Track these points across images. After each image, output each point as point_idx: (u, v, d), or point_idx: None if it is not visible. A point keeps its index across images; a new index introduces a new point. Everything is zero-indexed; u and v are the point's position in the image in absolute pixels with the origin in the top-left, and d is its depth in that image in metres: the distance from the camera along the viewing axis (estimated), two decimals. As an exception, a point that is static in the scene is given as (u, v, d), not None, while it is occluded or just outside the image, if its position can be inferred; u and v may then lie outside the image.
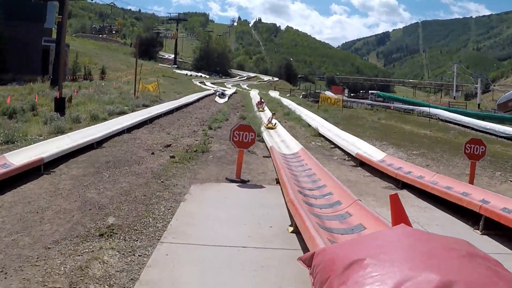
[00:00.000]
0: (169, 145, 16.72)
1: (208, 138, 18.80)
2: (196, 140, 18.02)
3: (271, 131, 23.26)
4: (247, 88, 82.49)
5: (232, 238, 7.43)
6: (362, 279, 3.10)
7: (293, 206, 7.75)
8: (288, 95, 71.19)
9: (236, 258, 6.62)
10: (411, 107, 58.16)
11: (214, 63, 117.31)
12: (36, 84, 38.81)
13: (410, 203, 10.79)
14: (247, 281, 5.84)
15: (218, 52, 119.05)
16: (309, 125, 26.74)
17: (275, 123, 24.73)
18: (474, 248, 3.63)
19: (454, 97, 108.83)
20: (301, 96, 70.99)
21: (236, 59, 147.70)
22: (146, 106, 30.70)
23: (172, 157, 14.36)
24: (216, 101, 43.40)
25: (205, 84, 73.82)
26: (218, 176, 12.33)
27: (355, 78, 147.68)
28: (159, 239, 7.24)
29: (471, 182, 12.54)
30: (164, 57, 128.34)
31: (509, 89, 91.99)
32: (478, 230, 8.79)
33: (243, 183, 11.79)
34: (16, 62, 48.28)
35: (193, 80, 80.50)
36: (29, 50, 51.34)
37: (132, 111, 26.88)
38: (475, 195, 10.40)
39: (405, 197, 11.36)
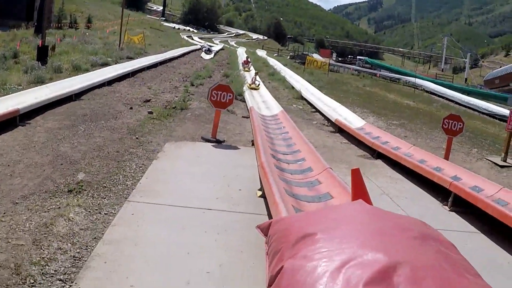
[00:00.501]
0: (148, 100, 16.54)
1: (188, 95, 18.60)
2: (176, 97, 17.85)
3: (253, 91, 23.04)
4: (234, 45, 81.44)
5: (200, 199, 7.39)
6: (311, 254, 3.06)
7: (262, 170, 7.69)
8: (275, 55, 70.55)
9: (201, 220, 6.60)
10: (397, 76, 58.04)
11: (202, 17, 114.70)
12: (20, 30, 37.80)
13: (383, 173, 10.81)
14: (209, 244, 5.83)
15: (207, 7, 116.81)
16: (293, 87, 26.60)
17: (259, 84, 24.43)
18: (430, 230, 3.61)
19: (442, 69, 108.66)
20: (288, 57, 70.25)
21: (226, 15, 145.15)
22: (130, 58, 29.88)
23: (150, 113, 14.19)
24: (202, 57, 42.80)
25: (192, 39, 72.38)
26: (194, 135, 12.22)
27: (345, 43, 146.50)
28: (126, 198, 7.19)
29: (446, 157, 12.57)
30: (152, 8, 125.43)
31: (497, 66, 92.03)
32: (447, 206, 8.82)
33: (218, 143, 11.71)
34: (0, 7, 47.11)
35: (180, 34, 78.92)
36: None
37: (116, 63, 26.20)
38: (448, 171, 10.44)
39: (379, 167, 11.39)
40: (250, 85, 24.04)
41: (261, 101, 20.33)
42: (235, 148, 11.43)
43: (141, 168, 8.82)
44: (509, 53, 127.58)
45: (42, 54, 22.62)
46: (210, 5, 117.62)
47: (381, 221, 3.52)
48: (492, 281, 5.63)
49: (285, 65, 43.13)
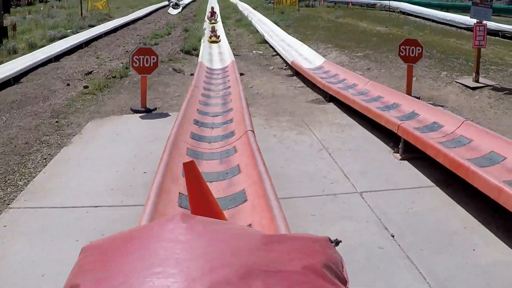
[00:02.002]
0: (90, 72, 15.14)
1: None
2: (122, 63, 16.42)
3: (213, 44, 21.38)
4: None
5: (91, 194, 6.21)
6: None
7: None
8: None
9: (79, 224, 5.44)
10: (373, 1, 56.04)
11: None
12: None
13: (331, 120, 9.50)
14: (72, 260, 4.56)
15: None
16: (258, 32, 25.01)
17: (219, 36, 22.66)
18: (260, 259, 2.28)
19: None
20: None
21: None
22: (92, 26, 28.77)
23: (86, 87, 12.84)
24: (169, 13, 41.17)
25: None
26: (125, 106, 10.94)
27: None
28: (9, 204, 5.96)
29: (408, 88, 11.21)
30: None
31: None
32: (398, 154, 7.49)
33: (148, 112, 10.46)
34: None
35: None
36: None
37: (76, 33, 25.17)
38: (405, 106, 9.12)
39: (329, 112, 10.11)
40: (210, 38, 22.15)
41: (218, 52, 18.83)
42: (166, 115, 10.13)
43: (45, 160, 7.60)
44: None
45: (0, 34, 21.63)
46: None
47: (199, 256, 2.19)
48: (441, 259, 4.27)
49: (255, 8, 41.37)
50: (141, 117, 10.03)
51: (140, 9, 42.80)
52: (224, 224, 2.60)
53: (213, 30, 23.43)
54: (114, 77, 14.14)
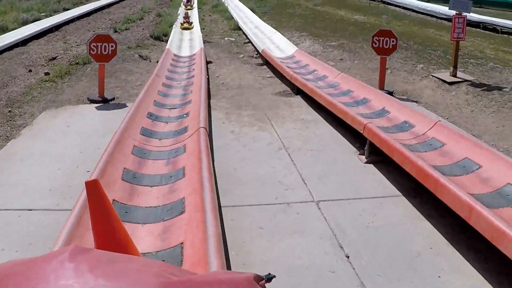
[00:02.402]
0: (54, 58, 14.33)
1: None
2: (88, 48, 15.62)
3: (185, 31, 20.51)
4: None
5: (27, 194, 5.63)
6: None
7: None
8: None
9: (8, 231, 4.84)
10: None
11: None
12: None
13: (297, 115, 8.86)
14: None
15: None
16: (233, 18, 24.22)
17: (192, 23, 21.58)
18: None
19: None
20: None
21: None
22: (66, 9, 27.94)
23: (47, 74, 12.09)
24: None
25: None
26: (83, 95, 10.26)
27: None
28: None
29: (381, 82, 10.58)
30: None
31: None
32: (364, 156, 6.83)
33: (105, 102, 9.77)
34: None
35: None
36: None
37: (49, 16, 24.29)
38: (375, 102, 8.50)
39: (295, 106, 9.45)
40: (182, 24, 21.08)
41: (188, 39, 18.04)
42: (123, 106, 9.41)
43: (-12, 157, 6.90)
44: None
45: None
46: None
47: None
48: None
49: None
50: (97, 108, 9.36)
51: None
52: (124, 263, 1.94)
53: (186, 16, 22.12)
54: (77, 63, 13.36)
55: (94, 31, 20.24)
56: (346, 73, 11.17)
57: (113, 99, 9.99)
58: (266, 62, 13.65)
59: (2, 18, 22.71)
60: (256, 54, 15.15)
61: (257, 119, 8.51)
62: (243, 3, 30.75)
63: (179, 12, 25.41)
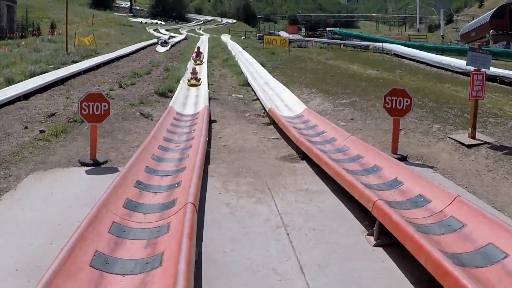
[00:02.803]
0: (53, 114, 13.79)
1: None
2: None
3: (192, 87, 19.61)
4: (202, 32, 78.58)
5: None
6: None
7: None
8: (243, 38, 67.70)
9: None
10: (366, 43, 55.24)
11: (170, 9, 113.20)
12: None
13: (300, 184, 8.10)
14: None
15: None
16: (242, 73, 23.70)
17: (200, 79, 20.55)
18: None
19: (418, 29, 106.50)
20: (256, 38, 67.36)
21: (194, 3, 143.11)
22: (75, 62, 27.59)
23: (42, 131, 11.56)
24: (156, 51, 40.02)
25: (159, 32, 69.48)
26: (75, 156, 9.64)
27: (318, 16, 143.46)
28: None
29: (393, 146, 9.82)
30: (120, 5, 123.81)
31: (472, 19, 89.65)
32: (373, 237, 5.99)
33: (96, 165, 9.13)
34: None
35: (147, 28, 76.37)
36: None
37: (58, 68, 24.08)
38: (387, 171, 7.69)
39: (299, 174, 8.71)
40: (189, 81, 20.02)
41: (194, 95, 17.47)
42: (114, 171, 8.71)
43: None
44: (482, 3, 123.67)
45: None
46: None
47: None
48: None
49: (244, 48, 40.24)
50: (87, 172, 8.72)
51: (129, 45, 41.74)
52: None
53: (194, 72, 21.15)
54: (75, 121, 12.75)
55: (98, 86, 19.83)
56: (357, 134, 10.48)
57: (106, 162, 9.36)
58: (273, 121, 12.96)
59: (9, 70, 22.44)
60: (264, 113, 14.52)
61: (257, 189, 7.75)
62: (254, 57, 30.36)
63: (188, 66, 24.84)
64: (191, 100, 16.47)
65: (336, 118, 13.28)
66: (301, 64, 29.18)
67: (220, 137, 11.54)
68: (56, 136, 11.22)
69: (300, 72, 24.55)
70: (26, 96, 16.75)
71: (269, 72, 22.88)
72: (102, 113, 9.40)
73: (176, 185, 7.03)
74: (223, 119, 13.67)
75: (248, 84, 20.22)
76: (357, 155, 8.80)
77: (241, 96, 17.96)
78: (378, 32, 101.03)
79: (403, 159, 9.36)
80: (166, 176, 7.69)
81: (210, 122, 12.87)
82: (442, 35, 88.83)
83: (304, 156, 9.58)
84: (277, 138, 11.53)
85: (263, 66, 25.74)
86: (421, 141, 10.99)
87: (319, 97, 16.64)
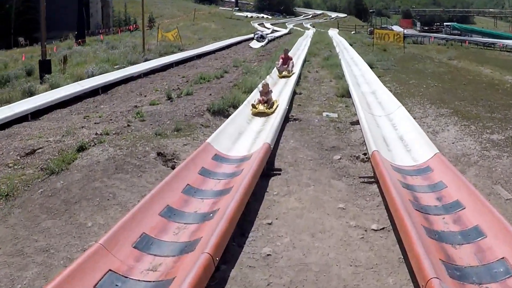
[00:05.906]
0: (33, 152, 9.18)
1: (128, 125, 10.72)
2: (96, 134, 10.02)
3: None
4: (308, 26, 73.09)
5: None
6: None
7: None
8: (353, 32, 62.02)
9: None
10: (492, 40, 48.02)
11: (277, 2, 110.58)
12: (64, 41, 38.01)
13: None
14: None
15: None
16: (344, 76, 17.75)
17: (274, 103, 12.54)
18: None
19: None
20: (367, 33, 61.29)
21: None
22: (147, 60, 25.23)
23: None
24: (250, 46, 35.26)
25: (264, 26, 65.75)
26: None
27: (432, 10, 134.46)
28: None
29: None
30: (226, 0, 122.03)
31: None
32: None
33: None
34: (51, 19, 43.37)
35: (251, 22, 73.25)
36: (65, 5, 49.16)
37: (123, 68, 22.28)
38: None
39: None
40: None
41: (262, 122, 11.39)
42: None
43: None
44: None
45: (44, 69, 19.88)
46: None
47: None
48: None
49: (351, 44, 34.43)
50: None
51: (223, 40, 39.48)
52: None
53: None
54: (47, 170, 7.81)
55: (145, 96, 15.39)
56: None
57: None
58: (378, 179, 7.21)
59: (77, 69, 21.42)
60: (365, 155, 8.75)
61: None
62: (361, 55, 24.47)
63: (269, 74, 17.80)
64: (254, 126, 10.98)
65: (492, 174, 7.36)
66: (419, 65, 23.02)
67: (270, 223, 5.94)
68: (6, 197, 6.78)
69: (419, 77, 18.40)
70: (40, 112, 13.65)
71: (379, 77, 17.02)
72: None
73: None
74: (293, 168, 8.01)
75: (349, 95, 14.23)
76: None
77: (335, 115, 11.93)
78: (496, 28, 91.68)
79: None
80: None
81: (266, 174, 7.44)
82: None
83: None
84: (382, 229, 5.81)
85: (371, 67, 19.94)
86: None
87: (453, 123, 10.50)
